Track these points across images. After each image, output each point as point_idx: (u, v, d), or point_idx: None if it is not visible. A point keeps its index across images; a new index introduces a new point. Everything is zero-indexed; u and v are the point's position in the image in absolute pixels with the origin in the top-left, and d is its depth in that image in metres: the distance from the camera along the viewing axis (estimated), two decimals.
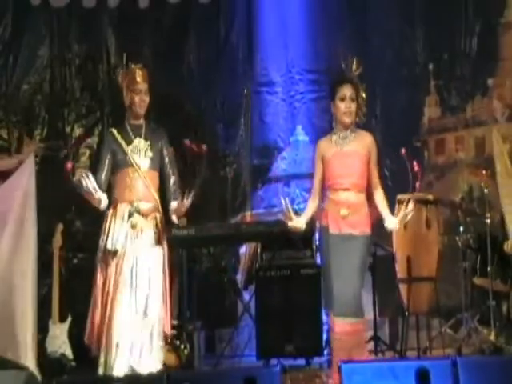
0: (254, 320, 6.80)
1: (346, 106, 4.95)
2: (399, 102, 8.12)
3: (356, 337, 4.86)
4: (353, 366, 4.34)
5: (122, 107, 8.17)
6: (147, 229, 5.06)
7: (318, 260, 6.84)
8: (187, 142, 5.36)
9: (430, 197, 6.63)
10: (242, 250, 7.78)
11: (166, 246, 5.14)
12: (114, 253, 4.97)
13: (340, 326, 4.82)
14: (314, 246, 6.75)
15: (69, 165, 4.95)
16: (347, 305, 4.81)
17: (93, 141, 8.26)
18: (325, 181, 5.02)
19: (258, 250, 6.87)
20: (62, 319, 6.41)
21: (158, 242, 5.08)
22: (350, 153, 4.96)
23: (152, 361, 4.96)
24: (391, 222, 4.97)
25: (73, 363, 6.27)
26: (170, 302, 5.13)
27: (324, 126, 8.26)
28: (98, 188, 4.97)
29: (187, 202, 5.04)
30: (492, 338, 6.39)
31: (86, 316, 6.90)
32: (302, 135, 8.43)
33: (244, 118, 8.43)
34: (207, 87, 8.36)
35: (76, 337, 6.44)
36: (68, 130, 8.27)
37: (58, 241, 6.63)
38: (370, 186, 5.00)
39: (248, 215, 8.05)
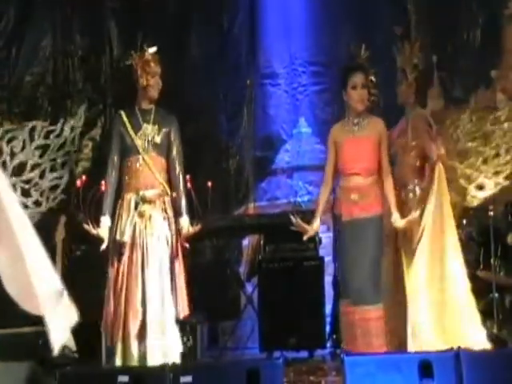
0: (256, 312, 6.81)
1: (358, 93, 5.06)
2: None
3: (376, 324, 4.89)
4: (356, 359, 4.34)
5: (124, 98, 8.22)
6: (156, 215, 5.04)
7: (321, 252, 6.86)
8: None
9: None
10: (245, 242, 7.79)
11: (175, 230, 5.09)
12: (124, 244, 4.96)
13: (360, 313, 4.85)
14: (317, 239, 6.76)
15: (78, 182, 4.90)
16: (365, 291, 4.84)
17: (96, 133, 8.25)
18: (338, 166, 5.06)
19: (261, 242, 6.87)
20: None
21: (168, 226, 5.06)
22: (363, 138, 5.03)
23: (169, 347, 4.96)
24: (399, 221, 4.99)
25: (75, 355, 6.28)
26: (185, 286, 5.09)
27: (327, 118, 8.25)
28: (100, 233, 4.99)
29: (194, 229, 5.06)
30: (495, 330, 6.38)
31: (89, 308, 6.93)
32: (304, 127, 8.42)
33: (247, 109, 8.41)
34: (210, 79, 8.34)
35: (79, 329, 6.44)
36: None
37: (61, 233, 6.63)
38: (381, 172, 5.05)
39: (251, 207, 8.06)
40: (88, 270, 7.43)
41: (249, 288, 7.27)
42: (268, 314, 6.59)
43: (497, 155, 6.81)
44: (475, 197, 6.45)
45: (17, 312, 6.35)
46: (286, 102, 8.51)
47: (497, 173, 6.48)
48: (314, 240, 6.73)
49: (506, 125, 6.79)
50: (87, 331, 6.46)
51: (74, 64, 8.32)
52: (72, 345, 6.32)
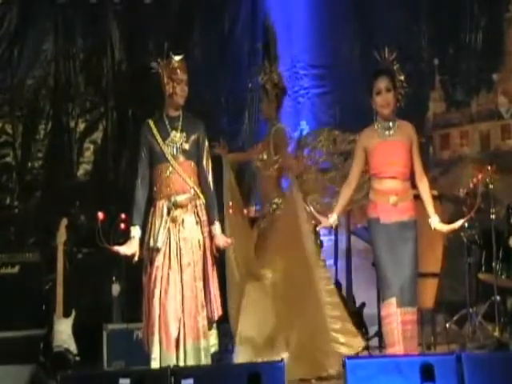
0: None
1: (382, 98, 5.06)
2: (404, 97, 8.11)
3: (412, 326, 4.91)
4: (357, 362, 4.33)
5: (126, 102, 8.23)
6: (188, 219, 5.04)
7: (322, 255, 6.84)
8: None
9: (435, 192, 6.60)
10: None
11: (207, 232, 5.09)
12: (157, 250, 4.97)
13: (401, 315, 4.87)
14: (319, 241, 6.74)
15: (100, 215, 4.89)
16: (407, 293, 4.88)
17: (97, 136, 8.26)
18: (370, 170, 5.06)
19: None
20: (67, 314, 6.42)
21: (201, 229, 5.07)
22: (394, 142, 5.03)
23: (205, 349, 4.98)
24: (439, 224, 5.03)
25: (77, 358, 6.28)
26: (217, 287, 5.10)
27: (328, 121, 8.26)
28: (128, 250, 4.98)
29: (228, 242, 5.12)
30: (497, 333, 6.39)
31: (90, 311, 6.94)
32: (306, 130, 8.41)
33: (248, 112, 8.41)
34: (212, 81, 8.35)
35: (80, 332, 6.45)
36: (72, 124, 8.26)
37: (62, 235, 6.62)
38: (414, 177, 5.06)
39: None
40: (89, 273, 7.45)
41: None
42: None
43: None
44: None
45: (19, 315, 6.39)
46: (288, 105, 8.48)
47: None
48: (316, 243, 6.72)
49: None
50: (89, 334, 6.49)
51: (76, 67, 8.32)
52: (73, 348, 6.33)
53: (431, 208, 5.08)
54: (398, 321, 4.87)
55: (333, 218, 5.12)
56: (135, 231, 5.01)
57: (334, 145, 6.75)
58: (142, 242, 5.05)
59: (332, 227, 5.41)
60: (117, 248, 4.92)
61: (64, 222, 6.70)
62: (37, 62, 8.26)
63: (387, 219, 4.94)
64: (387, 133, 5.06)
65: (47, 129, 8.24)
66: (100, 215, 4.82)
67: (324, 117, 8.31)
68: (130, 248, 4.97)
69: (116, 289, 6.92)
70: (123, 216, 5.36)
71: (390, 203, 4.95)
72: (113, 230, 5.09)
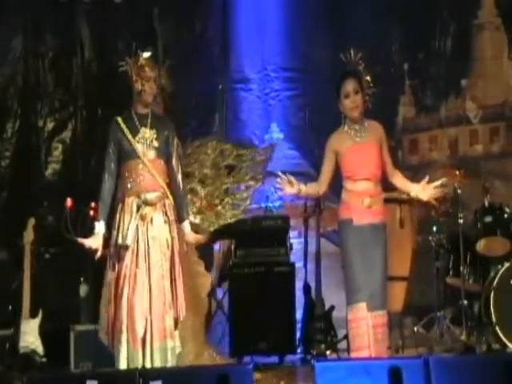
0: (227, 317, 6.79)
1: (350, 101, 5.05)
2: (373, 101, 8.14)
3: (383, 329, 4.92)
4: (326, 364, 4.35)
5: (95, 101, 8.18)
6: (157, 217, 5.03)
7: (292, 258, 6.86)
8: None
9: (404, 196, 6.65)
10: (216, 247, 7.76)
11: (176, 232, 5.08)
12: (126, 247, 4.94)
13: (373, 319, 4.87)
14: (288, 244, 6.76)
15: (69, 202, 4.84)
16: (378, 296, 4.87)
17: (66, 135, 8.20)
18: (343, 173, 5.05)
19: (232, 248, 6.86)
20: (34, 314, 6.36)
21: (169, 228, 5.05)
22: (366, 144, 5.04)
23: (171, 349, 4.96)
24: (420, 192, 5.05)
25: (44, 359, 6.23)
26: (182, 288, 5.08)
27: (299, 123, 8.28)
28: (93, 243, 4.96)
29: (199, 238, 5.14)
30: (464, 337, 6.44)
31: (58, 312, 6.88)
32: (276, 133, 8.42)
33: (218, 115, 8.40)
34: (182, 82, 8.31)
35: (47, 332, 6.40)
36: (41, 123, 8.19)
37: (29, 235, 6.57)
38: (385, 176, 5.07)
39: None
40: (57, 274, 7.39)
41: (219, 293, 7.25)
42: (238, 319, 6.58)
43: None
44: (213, 223, 6.69)
45: None
46: (258, 108, 8.50)
47: (235, 205, 6.75)
48: (286, 245, 6.74)
49: (246, 163, 7.09)
50: (56, 335, 6.44)
51: (45, 65, 8.25)
52: (40, 349, 6.27)
53: (410, 184, 5.12)
54: (369, 325, 4.87)
55: (299, 187, 5.02)
56: (99, 227, 4.98)
57: (221, 157, 6.81)
58: (107, 238, 5.03)
59: (298, 195, 5.25)
60: (82, 240, 4.91)
61: (31, 221, 6.65)
62: (5, 60, 8.17)
63: (360, 221, 4.95)
64: (358, 135, 5.07)
65: (15, 128, 8.15)
66: (68, 202, 4.78)
67: (294, 119, 8.32)
68: (95, 242, 4.95)
69: (84, 289, 6.88)
70: (93, 204, 5.30)
71: (364, 205, 4.96)
72: (79, 223, 5.05)
